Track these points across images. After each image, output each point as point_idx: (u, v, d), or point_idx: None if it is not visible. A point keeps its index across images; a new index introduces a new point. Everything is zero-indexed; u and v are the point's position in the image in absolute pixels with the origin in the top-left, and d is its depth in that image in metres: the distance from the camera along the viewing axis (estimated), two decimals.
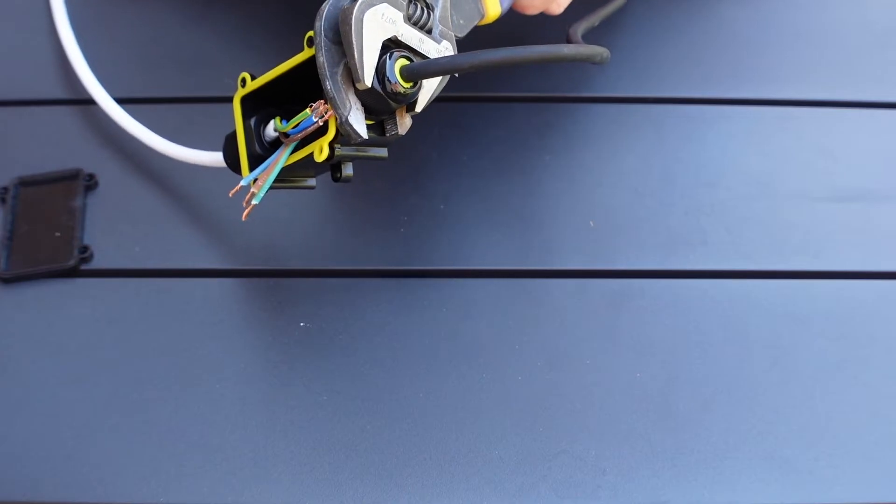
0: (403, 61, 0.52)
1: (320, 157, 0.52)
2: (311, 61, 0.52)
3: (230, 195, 0.55)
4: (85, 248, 0.61)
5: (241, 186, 0.55)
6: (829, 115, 0.70)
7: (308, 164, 0.54)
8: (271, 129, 0.55)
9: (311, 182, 0.57)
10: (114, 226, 0.63)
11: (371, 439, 0.55)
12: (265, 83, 0.55)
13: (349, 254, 0.62)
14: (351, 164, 0.54)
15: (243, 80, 0.56)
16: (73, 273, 0.61)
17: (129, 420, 0.56)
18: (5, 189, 0.64)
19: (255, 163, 0.55)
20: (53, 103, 0.69)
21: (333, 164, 0.53)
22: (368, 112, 0.52)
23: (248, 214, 0.54)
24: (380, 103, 0.52)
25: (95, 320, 0.59)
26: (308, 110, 0.52)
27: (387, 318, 0.60)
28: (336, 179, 0.54)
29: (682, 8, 0.75)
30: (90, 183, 0.64)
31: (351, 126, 0.51)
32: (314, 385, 0.57)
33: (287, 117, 0.54)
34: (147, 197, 0.64)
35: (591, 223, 0.64)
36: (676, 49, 0.73)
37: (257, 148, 0.55)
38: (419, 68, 0.51)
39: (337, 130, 0.52)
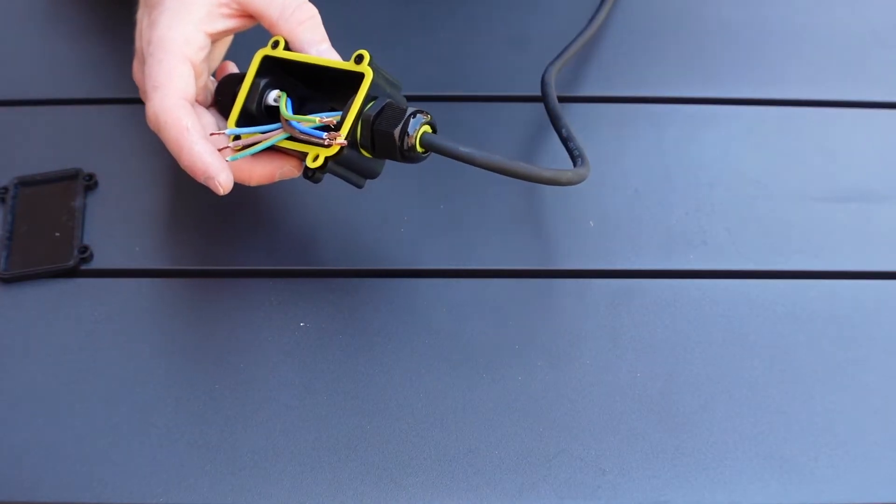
0: (427, 129, 0.55)
1: (314, 164, 0.54)
2: (351, 74, 0.55)
3: (209, 135, 0.56)
4: (85, 248, 0.61)
5: (223, 133, 0.56)
6: (829, 115, 0.70)
7: (300, 156, 0.56)
8: (272, 98, 0.56)
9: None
10: (114, 226, 0.63)
11: (371, 439, 0.55)
12: (296, 60, 0.56)
13: (349, 254, 0.62)
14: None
15: (276, 43, 0.57)
16: (72, 273, 0.61)
17: (129, 420, 0.56)
18: (5, 189, 0.64)
19: (244, 118, 0.57)
20: (53, 103, 0.69)
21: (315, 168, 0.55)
22: (371, 147, 0.55)
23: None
24: (386, 148, 0.54)
25: (95, 320, 0.59)
26: (318, 120, 0.54)
27: (387, 318, 0.60)
28: (308, 177, 0.55)
29: (682, 8, 0.75)
30: (90, 183, 0.64)
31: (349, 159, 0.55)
32: (314, 385, 0.57)
33: (293, 95, 0.56)
34: (147, 197, 0.64)
35: (590, 223, 0.64)
36: (676, 49, 0.73)
37: (254, 107, 0.57)
38: (436, 142, 0.54)
39: (338, 152, 0.54)
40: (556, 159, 0.66)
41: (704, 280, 0.62)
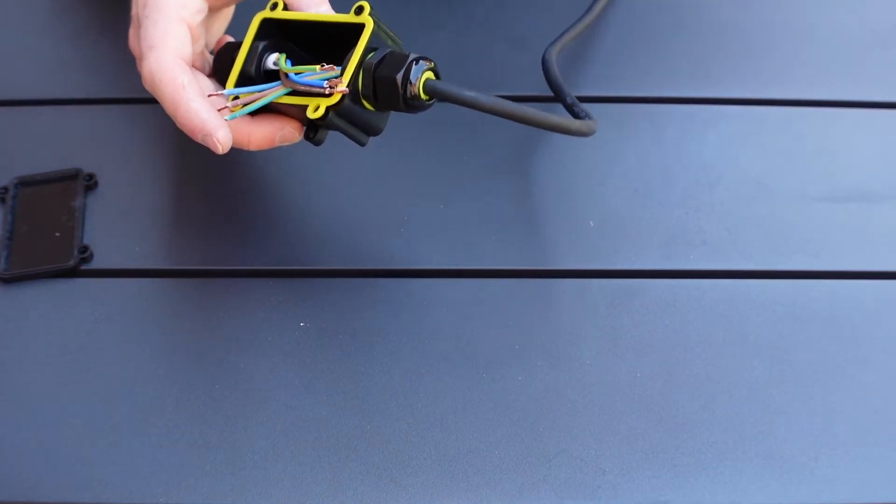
0: (430, 75, 0.53)
1: (314, 114, 0.53)
2: (352, 30, 0.53)
3: (208, 96, 0.55)
4: (85, 248, 0.61)
5: (221, 94, 0.55)
6: (829, 115, 0.70)
7: (300, 114, 0.54)
8: (271, 62, 0.55)
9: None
10: (114, 226, 0.63)
11: (371, 439, 0.55)
12: (295, 20, 0.56)
13: (349, 254, 0.62)
14: (328, 131, 0.55)
15: (274, 5, 0.56)
16: (72, 273, 0.61)
17: (129, 420, 0.56)
18: (5, 189, 0.64)
19: (243, 82, 0.56)
20: (53, 103, 0.69)
21: (315, 124, 0.54)
22: (374, 98, 0.54)
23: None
24: (389, 98, 0.53)
25: (95, 320, 0.59)
26: (318, 67, 0.53)
27: (387, 318, 0.60)
28: (309, 138, 0.55)
29: (682, 8, 0.75)
30: (90, 183, 0.64)
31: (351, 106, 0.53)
32: (314, 385, 0.57)
33: (294, 59, 0.55)
34: (147, 197, 0.64)
35: (590, 223, 0.64)
36: (676, 49, 0.73)
37: (252, 70, 0.56)
38: (442, 88, 0.53)
39: (340, 101, 0.52)
40: (556, 159, 0.66)
41: (704, 280, 0.62)
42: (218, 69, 0.59)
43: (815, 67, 0.72)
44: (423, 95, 0.53)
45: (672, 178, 0.66)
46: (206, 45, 0.61)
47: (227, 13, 0.62)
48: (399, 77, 0.52)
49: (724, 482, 0.54)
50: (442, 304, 0.60)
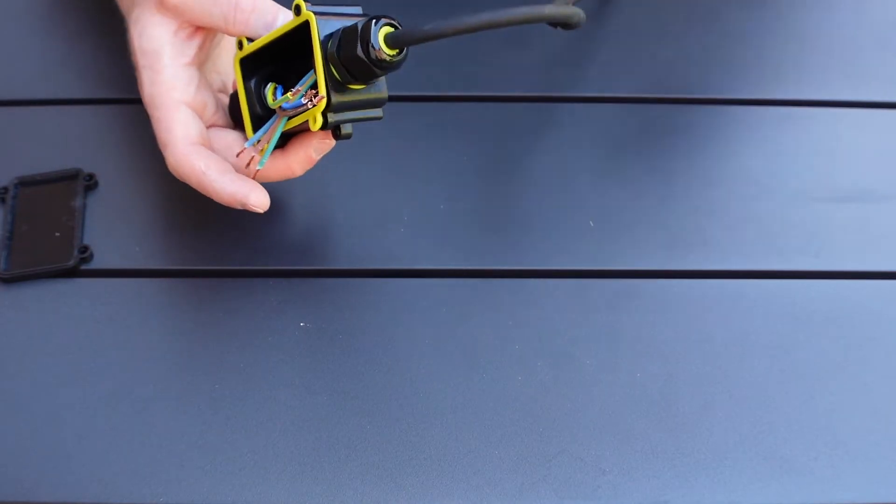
0: (388, 29, 0.52)
1: (315, 126, 0.54)
2: (301, 27, 0.54)
3: (237, 156, 0.58)
4: (85, 248, 0.61)
5: (245, 148, 0.57)
6: (829, 115, 0.70)
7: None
8: (268, 93, 0.57)
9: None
10: (114, 226, 0.63)
11: (371, 439, 0.55)
12: (260, 47, 0.56)
13: (349, 254, 0.62)
14: (350, 123, 0.56)
15: (240, 43, 0.57)
16: (72, 273, 0.61)
17: (129, 420, 0.56)
18: (5, 189, 0.64)
19: (257, 123, 0.57)
20: (53, 103, 0.69)
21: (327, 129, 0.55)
22: (354, 79, 0.53)
23: (254, 177, 0.57)
24: (365, 71, 0.52)
25: (95, 320, 0.59)
26: (290, 95, 0.54)
27: (387, 318, 0.60)
28: (337, 137, 0.56)
29: (682, 8, 0.75)
30: (90, 183, 0.64)
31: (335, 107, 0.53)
32: (314, 385, 0.57)
33: (283, 78, 0.56)
34: (147, 197, 0.64)
35: (590, 223, 0.64)
36: (677, 49, 0.73)
37: (258, 109, 0.57)
38: (404, 35, 0.51)
39: (327, 104, 0.53)
40: (555, 159, 0.66)
41: (704, 280, 0.62)
42: (235, 121, 0.60)
43: (816, 67, 0.72)
44: (389, 52, 0.52)
45: (672, 178, 0.66)
46: (223, 86, 0.62)
47: (225, 44, 0.62)
48: (359, 51, 0.51)
49: (724, 482, 0.54)
50: (442, 304, 0.60)
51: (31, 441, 0.55)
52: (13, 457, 0.54)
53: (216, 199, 0.57)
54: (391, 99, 0.56)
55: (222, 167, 0.57)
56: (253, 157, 0.57)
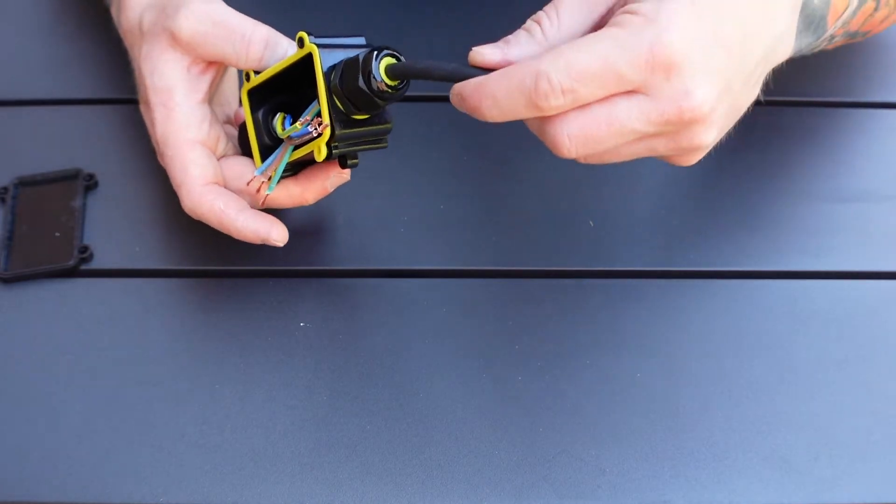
0: (390, 60, 0.52)
1: (319, 156, 0.54)
2: (305, 60, 0.54)
3: (247, 185, 0.58)
4: (85, 248, 0.61)
5: (255, 177, 0.58)
6: (830, 115, 0.70)
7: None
8: (277, 123, 0.58)
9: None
10: (114, 226, 0.63)
11: (371, 439, 0.55)
12: (266, 79, 0.57)
13: (349, 254, 0.62)
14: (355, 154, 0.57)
15: (247, 75, 0.58)
16: (72, 273, 0.61)
17: (129, 420, 0.56)
18: (5, 189, 0.64)
19: (266, 152, 0.58)
20: (53, 103, 0.69)
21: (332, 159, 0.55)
22: (358, 109, 0.54)
23: (263, 203, 0.58)
24: (367, 102, 0.53)
25: (95, 320, 0.59)
26: (299, 124, 0.55)
27: (387, 318, 0.60)
28: (343, 167, 0.57)
29: None
30: (90, 183, 0.64)
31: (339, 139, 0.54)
32: (314, 385, 0.57)
33: (292, 107, 0.57)
34: (147, 197, 0.64)
35: (590, 223, 0.64)
36: None
37: (266, 139, 0.58)
38: (405, 67, 0.52)
39: (331, 135, 0.54)
40: (555, 159, 0.66)
41: (705, 280, 0.62)
42: (244, 152, 0.60)
43: (816, 68, 0.72)
44: (390, 83, 0.52)
45: (672, 178, 0.66)
46: (227, 118, 0.62)
47: (228, 76, 0.62)
48: (361, 83, 0.52)
49: (724, 482, 0.54)
50: (442, 304, 0.60)
51: (31, 441, 0.55)
52: (13, 457, 0.54)
53: (237, 236, 0.58)
54: None
55: (239, 205, 0.58)
56: (262, 184, 0.57)
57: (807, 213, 0.65)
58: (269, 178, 0.57)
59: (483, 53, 0.52)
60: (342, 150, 0.55)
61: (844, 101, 0.70)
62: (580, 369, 0.58)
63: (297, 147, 0.56)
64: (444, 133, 0.67)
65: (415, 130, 0.67)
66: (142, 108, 0.61)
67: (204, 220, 0.58)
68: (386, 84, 0.52)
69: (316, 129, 0.54)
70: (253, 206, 0.59)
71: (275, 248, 0.61)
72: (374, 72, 0.52)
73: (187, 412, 0.56)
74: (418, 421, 0.56)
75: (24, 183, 0.64)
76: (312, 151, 0.55)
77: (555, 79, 0.48)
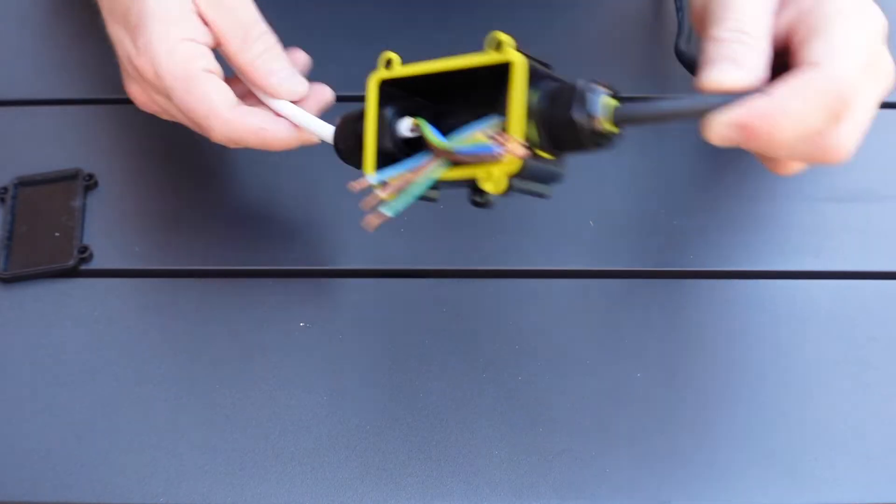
0: (610, 99, 0.44)
1: (496, 187, 0.44)
2: (492, 69, 0.44)
3: (354, 189, 0.48)
4: (85, 248, 0.61)
5: (366, 183, 0.47)
6: None
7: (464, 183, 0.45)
8: (405, 127, 0.48)
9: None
10: (114, 226, 0.63)
11: (371, 439, 0.55)
12: (422, 74, 0.46)
13: (349, 254, 0.62)
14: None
15: (388, 62, 0.48)
16: (72, 273, 0.61)
17: (129, 420, 0.56)
18: (5, 189, 0.64)
19: (383, 160, 0.48)
20: (53, 103, 0.69)
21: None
22: (553, 145, 0.45)
23: (376, 224, 0.48)
24: (574, 141, 0.44)
25: (95, 320, 0.59)
26: (483, 136, 0.44)
27: (387, 318, 0.60)
28: (476, 203, 0.46)
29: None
30: (90, 183, 0.64)
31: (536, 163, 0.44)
32: (314, 385, 0.57)
33: (426, 116, 0.47)
34: (147, 197, 0.64)
35: (591, 223, 0.64)
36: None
37: (388, 143, 0.48)
38: (635, 112, 0.44)
39: (521, 166, 0.44)
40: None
41: (705, 280, 0.62)
42: (342, 150, 0.52)
43: None
44: (612, 128, 0.44)
45: (672, 179, 0.66)
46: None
47: None
48: (576, 115, 0.43)
49: (724, 482, 0.54)
50: (442, 304, 0.60)
51: (31, 441, 0.55)
52: (13, 457, 0.54)
53: (281, 148, 0.55)
54: None
55: (271, 116, 0.55)
56: (380, 198, 0.46)
57: (807, 213, 0.65)
58: (397, 192, 0.46)
59: (724, 78, 0.46)
60: (517, 186, 0.45)
61: None
62: (580, 369, 0.58)
63: (455, 164, 0.45)
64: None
65: None
66: (113, 28, 0.57)
67: (241, 144, 0.55)
68: (603, 125, 0.44)
69: (502, 151, 0.43)
70: None
71: (275, 248, 0.61)
72: (592, 108, 0.43)
73: (187, 412, 0.56)
74: (418, 421, 0.56)
75: (23, 183, 0.64)
76: (477, 177, 0.44)
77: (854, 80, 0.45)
